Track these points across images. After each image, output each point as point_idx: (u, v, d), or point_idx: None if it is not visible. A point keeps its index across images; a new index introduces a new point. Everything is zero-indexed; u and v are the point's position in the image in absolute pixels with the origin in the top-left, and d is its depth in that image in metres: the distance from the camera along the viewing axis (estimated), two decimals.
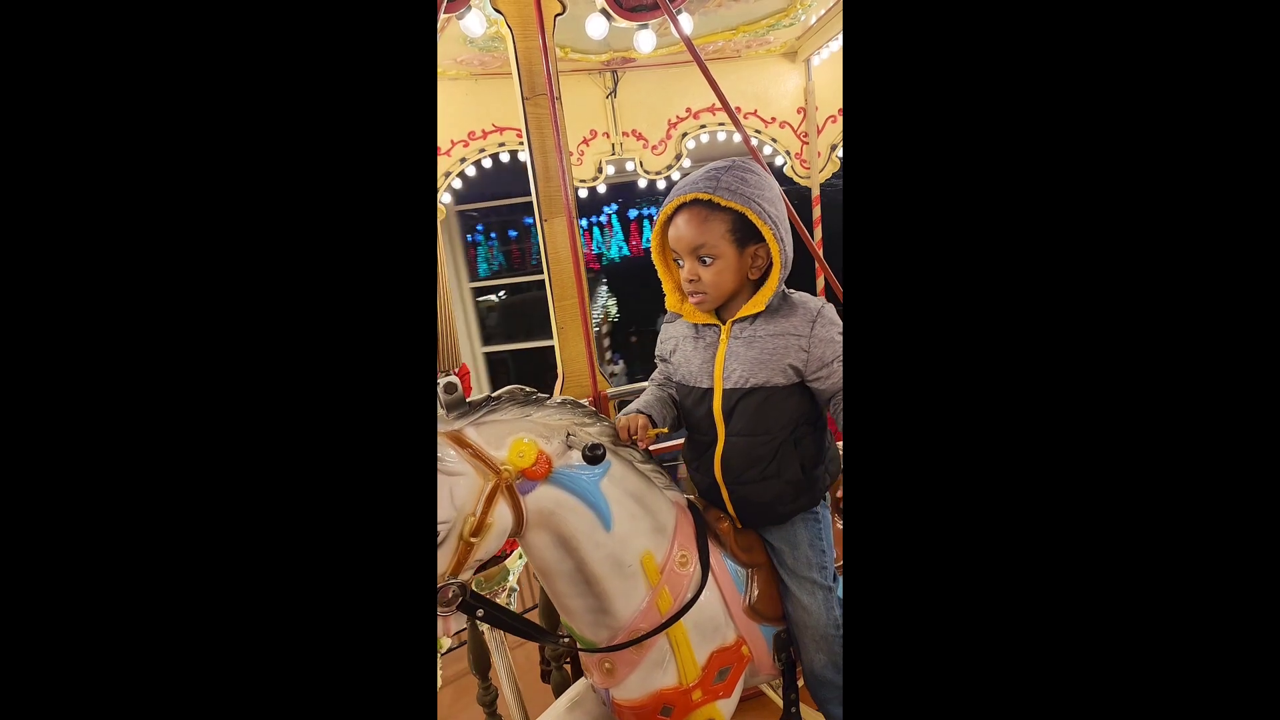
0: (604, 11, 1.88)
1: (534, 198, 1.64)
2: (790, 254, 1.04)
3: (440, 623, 0.93)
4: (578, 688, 1.23)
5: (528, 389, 0.99)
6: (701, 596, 1.05)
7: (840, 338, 1.04)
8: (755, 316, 1.07)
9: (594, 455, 0.97)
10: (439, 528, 0.87)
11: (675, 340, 1.17)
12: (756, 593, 1.11)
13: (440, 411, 0.92)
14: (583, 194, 3.31)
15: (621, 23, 1.91)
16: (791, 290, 1.10)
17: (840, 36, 3.00)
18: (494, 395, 0.96)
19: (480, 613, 0.96)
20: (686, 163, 3.29)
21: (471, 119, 2.85)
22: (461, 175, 3.06)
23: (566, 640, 1.12)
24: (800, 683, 1.18)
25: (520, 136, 1.65)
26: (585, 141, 3.14)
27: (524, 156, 1.65)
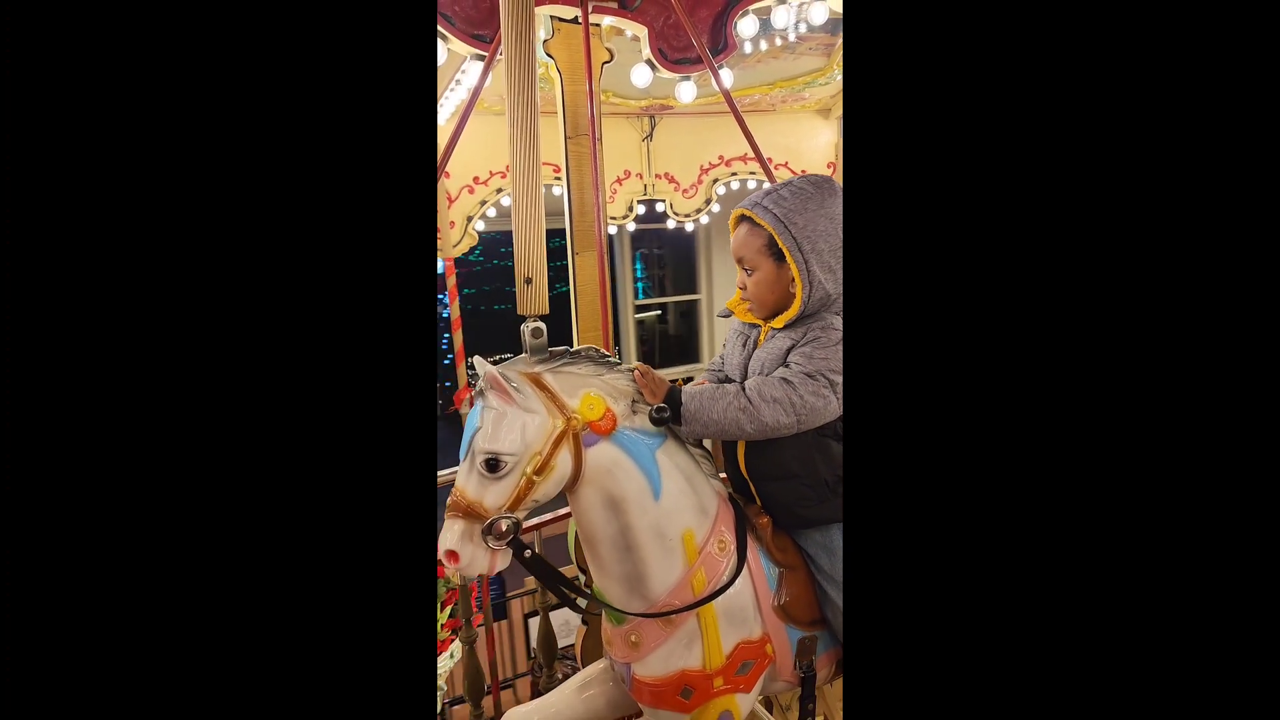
0: (649, 62, 1.96)
1: (568, 231, 1.69)
2: (818, 276, 1.05)
3: (487, 556, 0.93)
4: (589, 670, 1.23)
5: (604, 351, 1.05)
6: (735, 585, 1.07)
7: (826, 351, 1.04)
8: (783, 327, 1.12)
9: (660, 417, 1.02)
10: (506, 459, 0.92)
11: (729, 335, 1.25)
12: (786, 595, 1.12)
13: (523, 354, 0.99)
14: (612, 230, 3.39)
15: (665, 73, 1.99)
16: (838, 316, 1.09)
17: None
18: (573, 349, 1.02)
19: (527, 553, 0.98)
20: (715, 207, 3.36)
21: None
22: (497, 205, 3.16)
23: (592, 602, 1.13)
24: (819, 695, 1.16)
25: (556, 171, 1.71)
26: (619, 181, 3.23)
27: (558, 191, 1.71)
